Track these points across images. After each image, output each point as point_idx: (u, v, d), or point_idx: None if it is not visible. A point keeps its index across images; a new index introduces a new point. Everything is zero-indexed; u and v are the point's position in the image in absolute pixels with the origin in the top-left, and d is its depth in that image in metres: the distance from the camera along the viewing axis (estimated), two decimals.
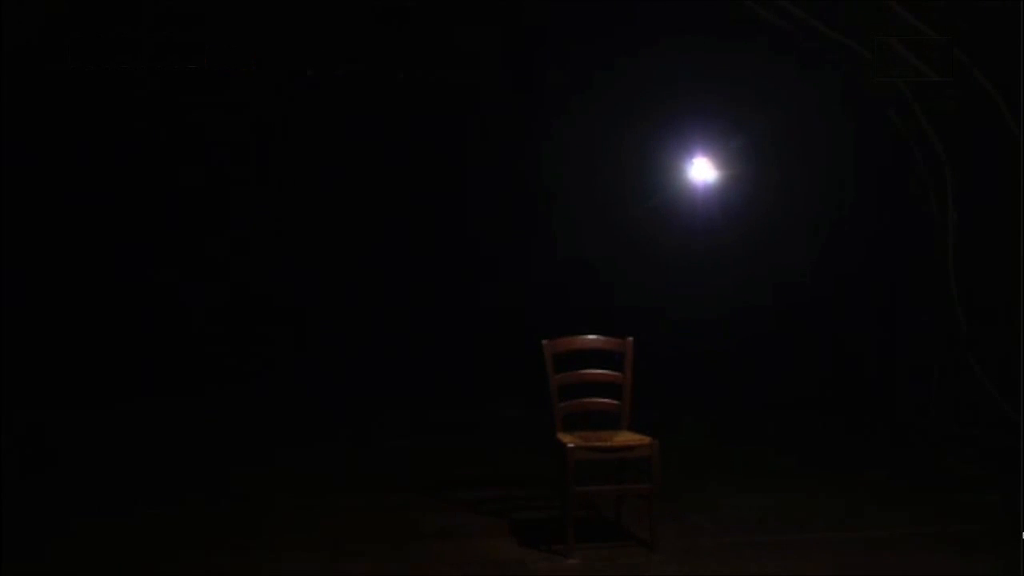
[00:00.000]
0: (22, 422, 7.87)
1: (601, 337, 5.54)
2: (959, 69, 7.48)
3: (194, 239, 9.69)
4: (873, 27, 7.55)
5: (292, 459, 7.28)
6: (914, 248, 8.62)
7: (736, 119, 9.22)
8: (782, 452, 7.79)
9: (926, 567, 5.06)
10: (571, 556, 5.09)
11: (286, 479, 6.71)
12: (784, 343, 9.47)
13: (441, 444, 7.88)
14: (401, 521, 5.74)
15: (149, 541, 5.40)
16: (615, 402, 5.50)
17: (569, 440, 5.20)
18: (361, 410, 9.01)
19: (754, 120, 9.13)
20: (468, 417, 8.83)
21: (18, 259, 8.76)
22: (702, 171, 9.51)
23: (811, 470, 7.11)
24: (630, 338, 5.50)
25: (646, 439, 5.23)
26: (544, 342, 5.46)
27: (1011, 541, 5.22)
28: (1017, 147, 7.35)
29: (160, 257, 9.60)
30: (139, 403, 8.85)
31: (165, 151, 9.55)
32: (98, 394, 8.82)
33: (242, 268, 9.71)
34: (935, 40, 7.44)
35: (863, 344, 9.22)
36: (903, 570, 5.03)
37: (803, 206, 9.41)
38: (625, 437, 5.35)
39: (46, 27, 8.09)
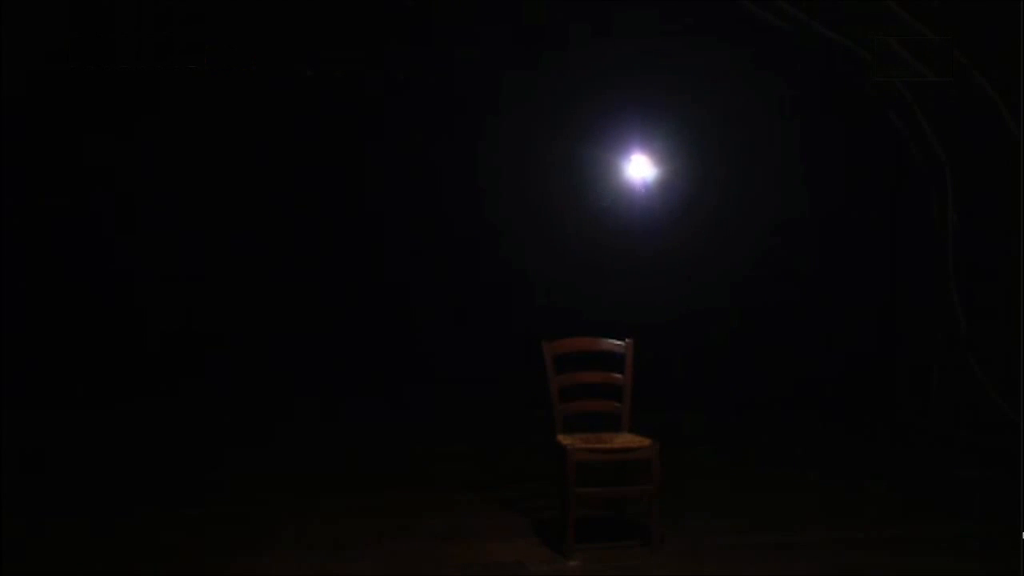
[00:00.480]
0: (22, 422, 7.86)
1: (601, 339, 5.54)
2: (959, 70, 7.48)
3: (192, 238, 9.67)
4: (873, 28, 7.55)
5: (291, 459, 7.28)
6: (914, 248, 8.62)
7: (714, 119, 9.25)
8: (781, 453, 7.80)
9: (926, 568, 5.07)
10: (571, 557, 5.09)
11: (285, 479, 6.71)
12: (778, 344, 9.47)
13: (441, 444, 7.88)
14: (401, 522, 5.73)
15: (149, 541, 5.39)
16: (615, 404, 5.50)
17: (569, 442, 5.20)
18: (361, 410, 9.01)
19: (730, 121, 9.16)
20: (467, 417, 8.84)
21: (16, 258, 8.75)
22: (640, 168, 9.54)
23: (811, 471, 7.11)
24: (630, 340, 5.50)
25: (646, 441, 5.23)
26: (544, 343, 5.46)
27: (1011, 541, 5.22)
28: (1017, 148, 7.34)
29: (160, 256, 9.59)
30: (139, 403, 8.86)
31: (160, 150, 9.53)
32: (98, 394, 8.82)
33: (240, 267, 9.70)
34: (935, 41, 7.44)
35: (863, 344, 9.22)
36: (903, 571, 5.04)
37: (793, 206, 9.42)
38: (625, 439, 5.35)
39: (43, 27, 8.09)
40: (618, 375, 5.48)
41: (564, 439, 5.26)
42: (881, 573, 5.01)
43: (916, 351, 8.57)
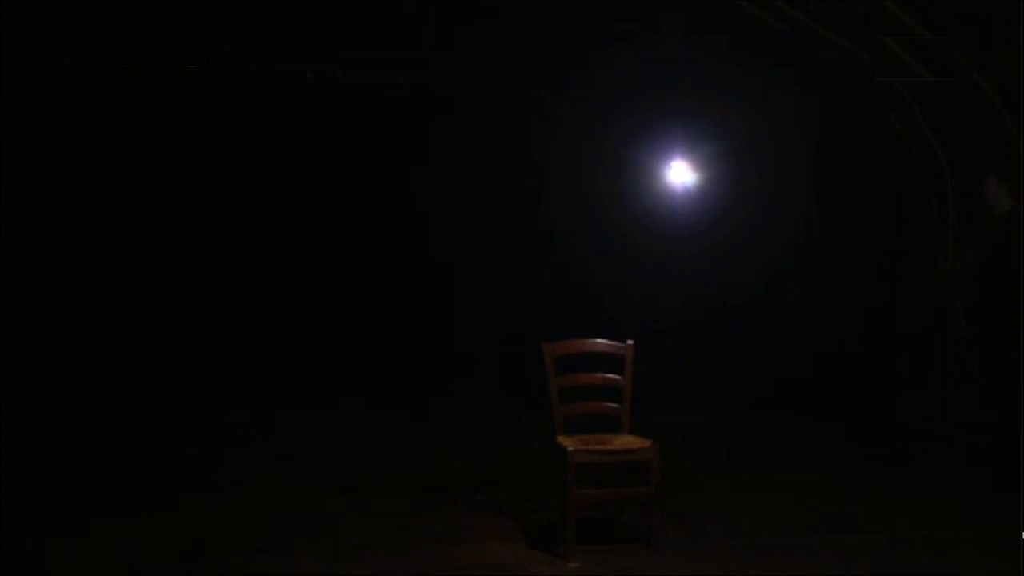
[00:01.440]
0: (22, 422, 7.86)
1: (602, 340, 5.54)
2: (959, 70, 7.47)
3: (191, 239, 9.66)
4: (872, 29, 7.54)
5: (292, 460, 7.28)
6: (914, 248, 8.62)
7: (716, 121, 9.23)
8: (780, 454, 7.80)
9: (926, 569, 5.08)
10: (571, 559, 5.09)
11: (286, 481, 6.71)
12: (776, 345, 9.45)
13: (441, 445, 7.88)
14: (401, 524, 5.74)
15: (149, 542, 5.40)
16: (615, 405, 5.50)
17: (569, 443, 5.20)
18: (360, 411, 9.00)
19: (735, 122, 9.14)
20: (467, 418, 8.84)
21: (15, 257, 8.75)
22: (681, 174, 9.53)
23: (810, 473, 7.12)
24: (630, 341, 5.50)
25: (646, 442, 5.24)
26: (544, 344, 5.46)
27: (1011, 541, 5.23)
28: (1017, 148, 7.34)
29: (161, 256, 9.58)
30: (138, 404, 8.84)
31: (161, 151, 9.52)
32: (98, 394, 8.81)
33: (238, 268, 9.69)
34: (934, 41, 7.43)
35: (862, 344, 9.22)
36: (903, 572, 5.05)
37: (792, 208, 9.40)
38: (625, 440, 5.35)
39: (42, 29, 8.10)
40: (618, 376, 5.49)
41: (564, 440, 5.26)
42: (881, 574, 5.02)
43: (916, 351, 8.57)
